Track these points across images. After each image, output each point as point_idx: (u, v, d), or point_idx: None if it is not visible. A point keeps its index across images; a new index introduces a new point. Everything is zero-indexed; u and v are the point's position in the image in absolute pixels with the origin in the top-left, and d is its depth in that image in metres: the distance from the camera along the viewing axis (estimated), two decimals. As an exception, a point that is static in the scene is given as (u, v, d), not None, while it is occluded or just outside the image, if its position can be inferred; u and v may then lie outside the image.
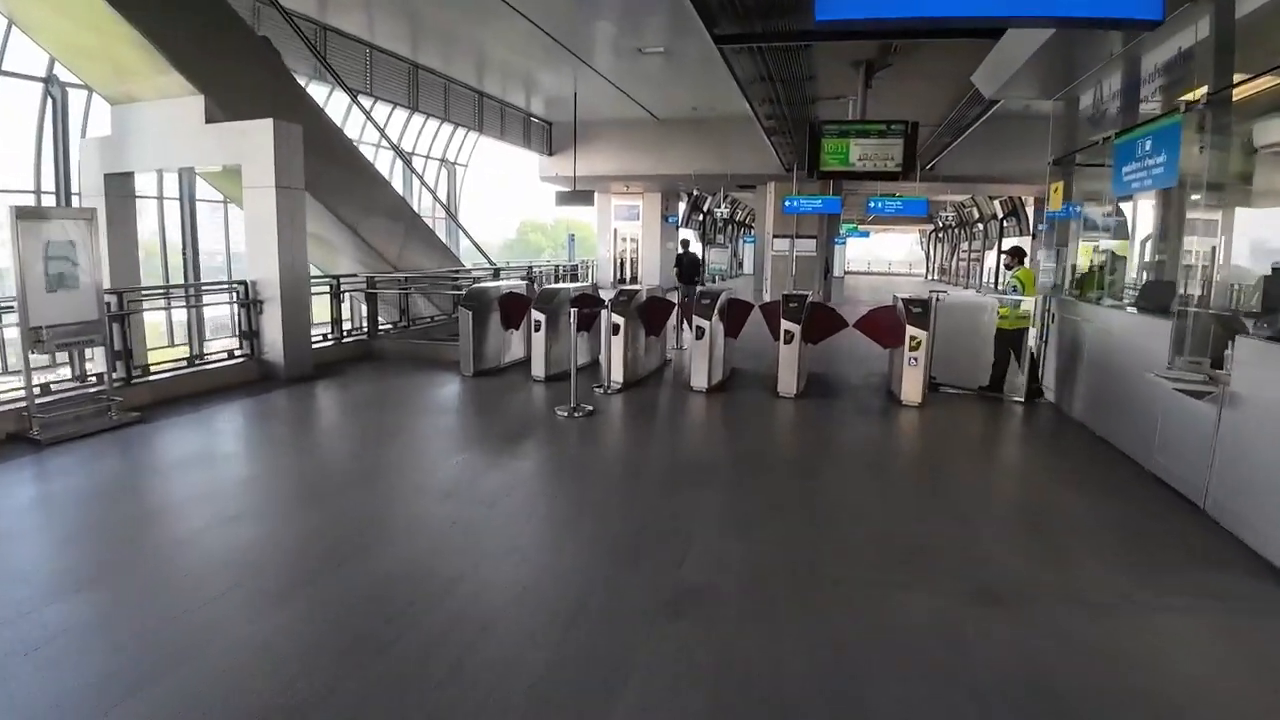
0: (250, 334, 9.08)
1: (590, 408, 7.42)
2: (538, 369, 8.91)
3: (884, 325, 8.68)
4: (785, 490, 5.31)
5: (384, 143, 14.83)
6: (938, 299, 8.46)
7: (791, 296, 8.36)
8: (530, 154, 23.99)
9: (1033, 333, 8.81)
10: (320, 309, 11.02)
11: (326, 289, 10.70)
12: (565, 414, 7.22)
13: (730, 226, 39.81)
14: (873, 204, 20.38)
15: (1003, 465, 6.55)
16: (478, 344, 9.30)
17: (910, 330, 7.82)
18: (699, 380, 8.39)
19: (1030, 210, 27.89)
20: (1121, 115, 7.75)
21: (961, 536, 4.47)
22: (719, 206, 28.93)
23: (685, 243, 17.22)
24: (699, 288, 12.99)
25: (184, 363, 8.54)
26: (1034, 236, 26.84)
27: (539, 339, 8.86)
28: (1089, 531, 4.64)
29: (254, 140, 8.86)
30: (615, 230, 28.19)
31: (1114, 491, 5.41)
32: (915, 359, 7.85)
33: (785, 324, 8.07)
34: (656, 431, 7.18)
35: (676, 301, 10.10)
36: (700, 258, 18.26)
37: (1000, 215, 30.57)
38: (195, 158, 9.76)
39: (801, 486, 5.42)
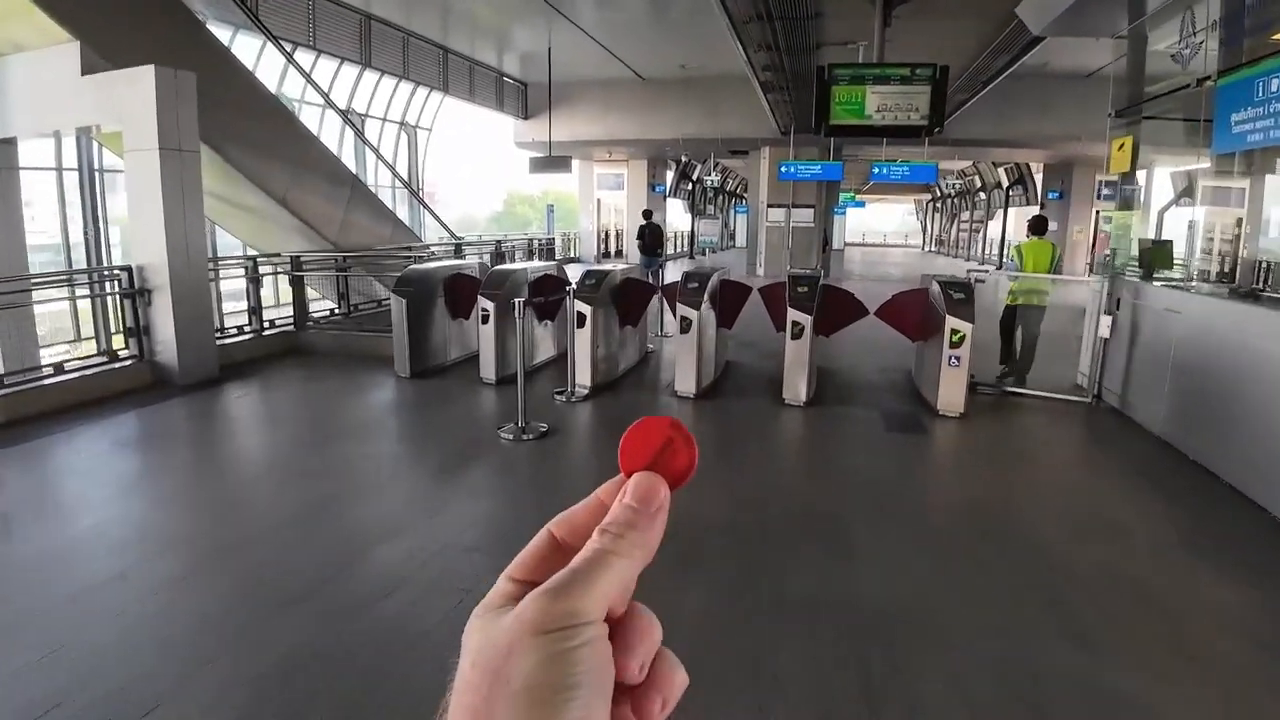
0: (138, 330, 7.40)
1: (544, 427, 5.79)
2: (488, 370, 7.28)
3: (913, 314, 7.07)
4: (810, 580, 3.61)
5: (332, 106, 13.01)
6: (979, 281, 6.84)
7: (800, 278, 6.71)
8: (505, 118, 22.10)
9: (1091, 322, 7.27)
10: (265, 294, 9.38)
11: (242, 272, 9.01)
12: (511, 437, 5.59)
13: (721, 196, 37.98)
14: (877, 170, 18.66)
15: (1107, 523, 4.88)
16: (417, 338, 7.63)
17: (951, 322, 6.20)
18: (685, 384, 6.77)
19: (1039, 178, 26.22)
20: (1224, 52, 6.07)
21: (1108, 676, 2.88)
22: (709, 175, 27.10)
23: (648, 213, 16.13)
24: (661, 258, 13.03)
25: (49, 370, 6.85)
26: (1042, 206, 25.24)
27: (488, 332, 7.21)
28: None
29: (133, 92, 7.10)
30: (599, 200, 26.38)
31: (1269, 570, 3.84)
32: (957, 358, 6.24)
33: (793, 314, 6.43)
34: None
35: (653, 281, 8.48)
36: (662, 228, 17.15)
37: (1006, 184, 28.86)
38: (68, 117, 7.97)
39: (835, 574, 3.66)
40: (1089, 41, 9.75)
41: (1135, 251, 7.94)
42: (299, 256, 9.58)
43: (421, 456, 5.55)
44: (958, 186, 36.92)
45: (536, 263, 8.66)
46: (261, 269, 9.19)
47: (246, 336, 8.81)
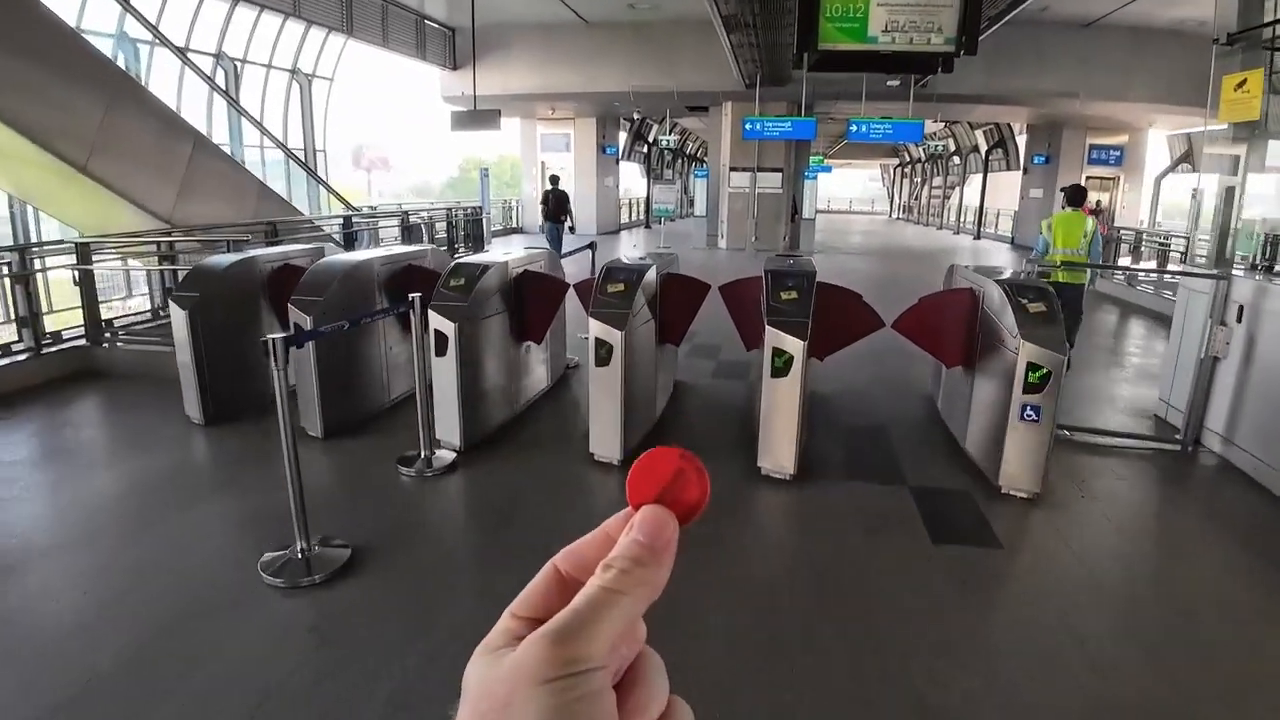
0: None
1: (346, 550, 3.32)
2: (311, 418, 4.76)
3: (952, 329, 4.70)
4: None
5: (159, 36, 10.14)
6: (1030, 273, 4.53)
7: (784, 275, 4.27)
8: (430, 69, 19.18)
9: (1184, 334, 5.08)
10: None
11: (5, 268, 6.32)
12: (282, 581, 3.11)
13: (680, 160, 35.32)
14: (854, 128, 16.23)
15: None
16: (217, 366, 5.08)
17: (1029, 352, 3.84)
18: (605, 445, 4.32)
19: (1022, 141, 24.08)
20: None
21: None
22: (666, 135, 24.51)
23: (555, 178, 15.16)
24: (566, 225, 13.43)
25: None
26: (1025, 171, 23.15)
27: (305, 360, 4.68)
28: None
29: None
30: (542, 163, 23.56)
31: None
32: (1036, 411, 3.89)
33: (776, 336, 3.99)
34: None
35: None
36: (568, 194, 15.25)
37: (986, 147, 26.70)
38: None
39: None
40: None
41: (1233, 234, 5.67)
42: (87, 243, 6.85)
43: (126, 618, 3.03)
44: (929, 150, 34.78)
45: (403, 248, 6.05)
46: (41, 260, 6.50)
47: (21, 356, 6.14)
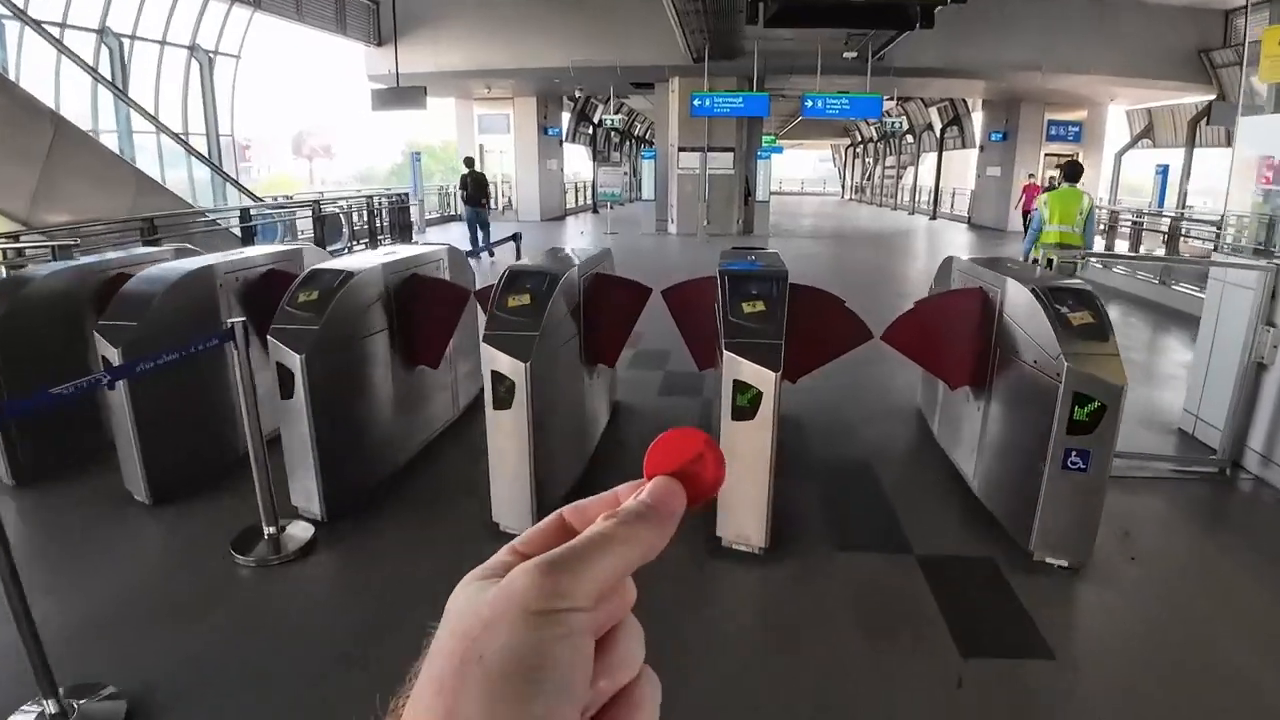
0: None
1: (120, 706, 2.19)
2: (132, 479, 3.58)
3: (959, 341, 3.70)
4: None
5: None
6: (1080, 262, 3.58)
7: (747, 275, 3.23)
8: (354, 45, 17.64)
9: (1218, 338, 4.23)
10: None
11: None
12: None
13: (628, 142, 34.07)
14: (809, 103, 15.27)
15: None
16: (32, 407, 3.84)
17: (1074, 378, 2.84)
18: (512, 513, 3.21)
19: (978, 117, 23.44)
20: None
21: None
22: (611, 115, 23.27)
23: (470, 160, 14.49)
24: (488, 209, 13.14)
25: None
26: (981, 150, 22.53)
27: (119, 405, 3.48)
28: None
29: None
30: (480, 146, 22.18)
31: None
32: (1082, 458, 2.91)
33: (737, 363, 2.92)
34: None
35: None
36: (486, 177, 14.60)
37: (940, 125, 26.04)
38: None
39: None
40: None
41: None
42: None
43: None
44: (882, 128, 34.11)
45: (265, 249, 4.78)
46: None
47: None
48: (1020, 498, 3.21)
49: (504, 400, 3.00)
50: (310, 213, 11.23)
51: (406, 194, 14.35)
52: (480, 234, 13.70)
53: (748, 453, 2.93)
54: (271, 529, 3.20)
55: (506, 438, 3.08)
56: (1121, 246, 11.84)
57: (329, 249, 11.41)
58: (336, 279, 3.44)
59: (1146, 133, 18.84)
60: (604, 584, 0.31)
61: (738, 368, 2.87)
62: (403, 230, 13.75)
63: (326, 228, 11.58)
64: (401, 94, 14.62)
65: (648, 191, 18.22)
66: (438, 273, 4.21)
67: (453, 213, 22.09)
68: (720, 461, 0.36)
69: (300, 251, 4.64)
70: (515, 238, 6.42)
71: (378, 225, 13.86)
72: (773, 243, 16.49)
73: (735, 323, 2.97)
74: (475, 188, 13.61)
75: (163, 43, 13.24)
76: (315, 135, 66.05)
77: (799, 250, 15.32)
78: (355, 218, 13.03)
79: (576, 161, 29.53)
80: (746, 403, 2.87)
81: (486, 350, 2.99)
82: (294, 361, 3.16)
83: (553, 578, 0.30)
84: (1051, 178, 19.05)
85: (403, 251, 4.13)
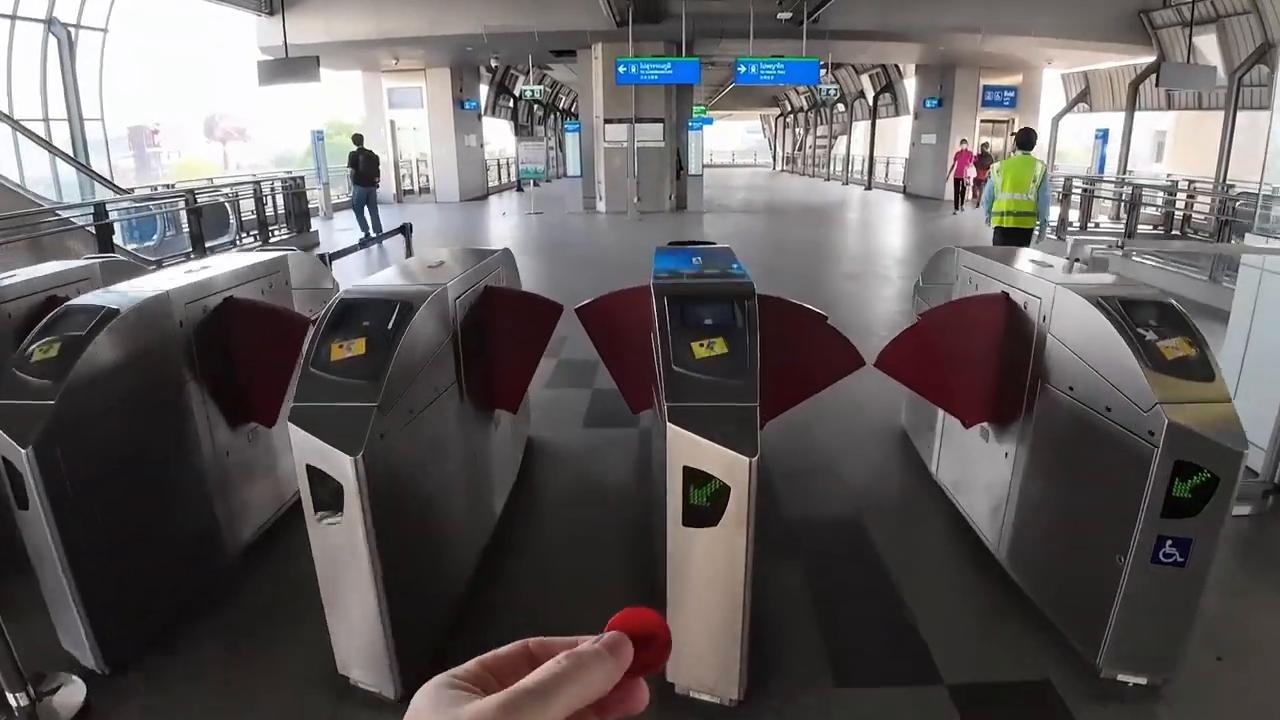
0: None
1: None
2: None
3: (977, 367, 2.77)
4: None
5: None
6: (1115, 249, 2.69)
7: (695, 292, 2.23)
8: (243, 15, 15.83)
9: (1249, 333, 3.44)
10: None
11: None
12: None
13: (553, 115, 32.57)
14: (743, 69, 14.27)
15: None
16: None
17: (1176, 435, 1.93)
18: (363, 664, 2.16)
19: (911, 84, 22.82)
20: None
21: None
22: (533, 86, 21.87)
23: (358, 136, 13.53)
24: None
25: None
26: (916, 117, 21.95)
27: None
28: None
29: None
30: (392, 122, 20.54)
31: None
32: (1181, 549, 2.01)
33: (689, 442, 1.91)
34: None
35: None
36: (377, 155, 13.54)
37: (872, 92, 25.40)
38: None
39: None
40: None
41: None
42: None
43: None
44: (813, 97, 33.41)
45: (51, 267, 3.48)
46: None
47: None
48: (1081, 591, 2.31)
49: (328, 505, 1.93)
50: (184, 201, 9.71)
51: (302, 177, 12.80)
52: (370, 218, 12.57)
53: (708, 574, 1.94)
54: (23, 696, 2.08)
55: (337, 563, 2.01)
56: (1072, 217, 11.24)
57: (207, 245, 10.00)
58: (91, 321, 2.29)
59: (1083, 97, 18.48)
60: (560, 715, 0.35)
61: (690, 449, 1.86)
62: (299, 218, 12.27)
63: (205, 221, 10.12)
64: (291, 66, 13.06)
65: (573, 167, 16.99)
66: (270, 293, 3.07)
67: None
68: (668, 648, 0.41)
69: (93, 267, 3.41)
70: (404, 230, 5.27)
71: (273, 213, 12.39)
72: (709, 219, 15.54)
73: (681, 374, 1.96)
74: (369, 165, 12.70)
75: (13, 17, 11.35)
76: (229, 118, 62.45)
77: (736, 227, 14.42)
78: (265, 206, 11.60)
79: (499, 137, 28.03)
80: (705, 501, 1.87)
81: (296, 434, 1.91)
82: (19, 457, 2.02)
83: (514, 710, 0.34)
84: (984, 144, 18.61)
85: (220, 266, 2.97)
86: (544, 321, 2.91)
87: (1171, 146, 21.62)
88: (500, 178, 26.01)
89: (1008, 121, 20.07)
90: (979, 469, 3.03)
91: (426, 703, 0.35)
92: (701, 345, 1.97)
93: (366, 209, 12.58)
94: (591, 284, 3.59)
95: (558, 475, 3.75)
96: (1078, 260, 3.03)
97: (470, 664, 0.38)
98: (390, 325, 2.10)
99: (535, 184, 20.51)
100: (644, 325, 2.49)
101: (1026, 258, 3.04)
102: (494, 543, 2.98)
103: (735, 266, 2.67)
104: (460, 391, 2.60)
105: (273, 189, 12.54)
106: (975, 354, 2.77)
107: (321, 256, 4.09)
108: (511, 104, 25.62)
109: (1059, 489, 2.48)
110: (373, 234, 11.67)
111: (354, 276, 3.13)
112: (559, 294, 3.13)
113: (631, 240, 12.73)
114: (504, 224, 15.81)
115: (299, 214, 12.33)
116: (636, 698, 0.40)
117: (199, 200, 10.03)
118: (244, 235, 11.27)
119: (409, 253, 5.28)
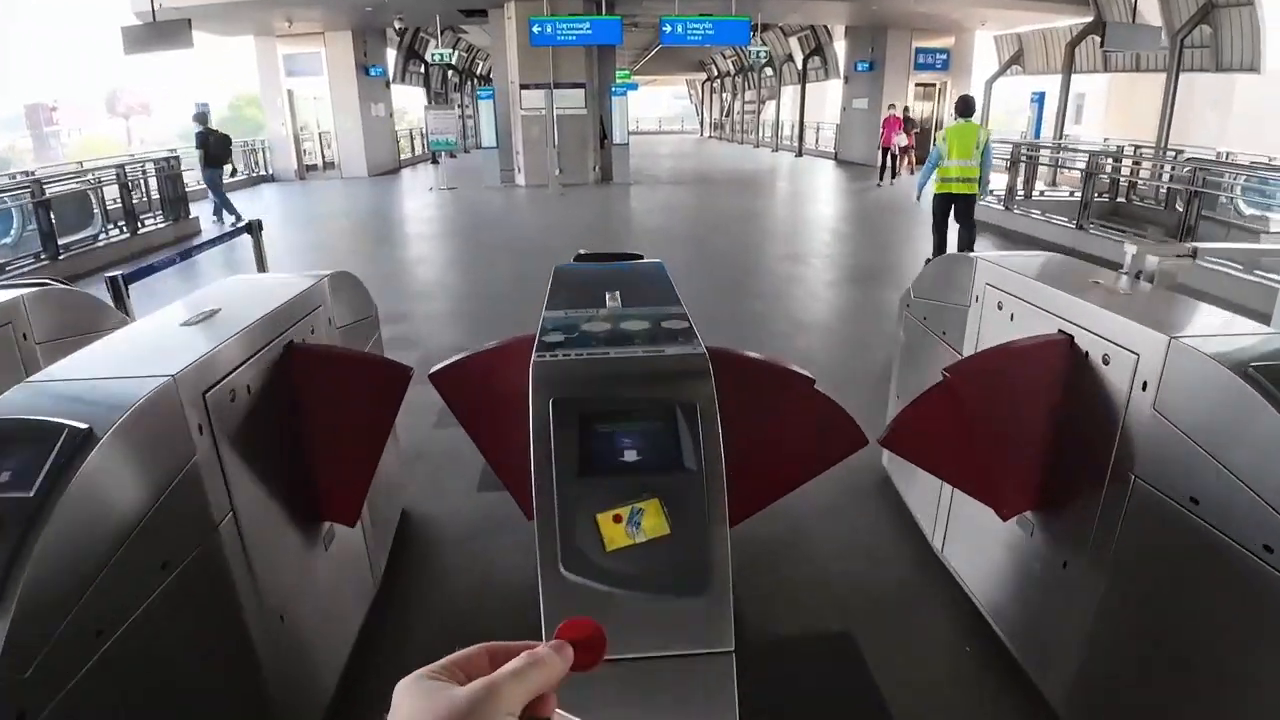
0: None
1: None
2: None
3: (1024, 442, 1.90)
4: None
5: None
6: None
7: (612, 379, 1.30)
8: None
9: None
10: None
11: None
12: None
13: (470, 81, 30.75)
14: (668, 29, 13.20)
15: None
16: None
17: None
18: None
19: (841, 47, 22.07)
20: None
21: None
22: (443, 50, 20.29)
23: (203, 114, 11.54)
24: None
25: None
26: (846, 81, 21.24)
27: None
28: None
29: None
30: (289, 92, 18.70)
31: None
32: None
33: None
34: None
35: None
36: (229, 136, 11.98)
37: (801, 55, 24.57)
38: None
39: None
40: None
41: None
42: None
43: None
44: (739, 62, 32.42)
45: None
46: None
47: None
48: None
49: None
50: (30, 196, 8.12)
51: (177, 158, 11.21)
52: (217, 203, 11.46)
53: None
54: None
55: None
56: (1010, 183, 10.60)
57: (62, 241, 8.48)
58: (43, 460, 1.18)
59: (1016, 59, 18.01)
60: (526, 698, 0.41)
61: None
62: (175, 204, 10.74)
63: (62, 213, 8.62)
64: (160, 30, 11.40)
65: (488, 138, 15.69)
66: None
67: (263, 173, 18.67)
68: (603, 646, 0.47)
69: None
70: (251, 229, 4.11)
71: (144, 199, 10.85)
72: (636, 191, 14.48)
73: (576, 587, 1.01)
74: (220, 148, 11.48)
75: None
76: (131, 92, 58.31)
77: (667, 200, 13.42)
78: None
79: (415, 106, 26.20)
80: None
81: None
82: None
83: (494, 694, 0.39)
84: (906, 108, 17.96)
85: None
86: (383, 392, 1.91)
87: (1105, 110, 21.48)
88: (415, 150, 24.37)
89: (940, 85, 19.54)
90: (1014, 569, 2.18)
91: (410, 693, 0.40)
92: (616, 521, 1.01)
93: (219, 188, 11.33)
94: (512, 277, 2.63)
95: (439, 562, 2.76)
96: (1139, 274, 2.18)
97: (440, 662, 0.42)
98: (36, 483, 1.08)
99: (451, 155, 19.11)
100: (523, 394, 1.53)
101: (1074, 273, 2.18)
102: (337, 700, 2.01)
103: (674, 310, 1.72)
104: (237, 527, 1.59)
105: (143, 171, 10.98)
106: (1023, 422, 1.89)
107: (112, 280, 2.97)
108: (423, 70, 23.89)
109: (1171, 646, 1.63)
110: (234, 222, 10.43)
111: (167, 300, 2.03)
112: (474, 291, 2.29)
113: (555, 218, 11.63)
114: (413, 202, 14.47)
115: (174, 199, 10.80)
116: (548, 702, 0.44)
117: (48, 191, 8.43)
118: (110, 227, 9.76)
119: (259, 259, 4.15)
